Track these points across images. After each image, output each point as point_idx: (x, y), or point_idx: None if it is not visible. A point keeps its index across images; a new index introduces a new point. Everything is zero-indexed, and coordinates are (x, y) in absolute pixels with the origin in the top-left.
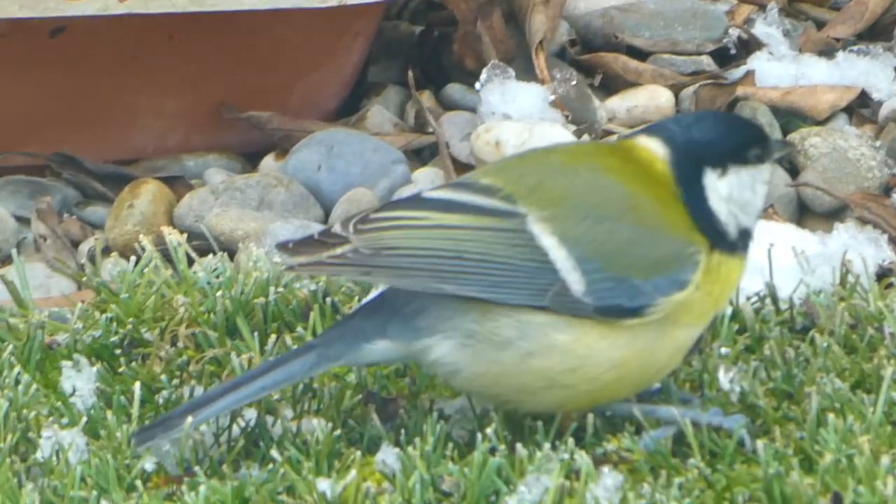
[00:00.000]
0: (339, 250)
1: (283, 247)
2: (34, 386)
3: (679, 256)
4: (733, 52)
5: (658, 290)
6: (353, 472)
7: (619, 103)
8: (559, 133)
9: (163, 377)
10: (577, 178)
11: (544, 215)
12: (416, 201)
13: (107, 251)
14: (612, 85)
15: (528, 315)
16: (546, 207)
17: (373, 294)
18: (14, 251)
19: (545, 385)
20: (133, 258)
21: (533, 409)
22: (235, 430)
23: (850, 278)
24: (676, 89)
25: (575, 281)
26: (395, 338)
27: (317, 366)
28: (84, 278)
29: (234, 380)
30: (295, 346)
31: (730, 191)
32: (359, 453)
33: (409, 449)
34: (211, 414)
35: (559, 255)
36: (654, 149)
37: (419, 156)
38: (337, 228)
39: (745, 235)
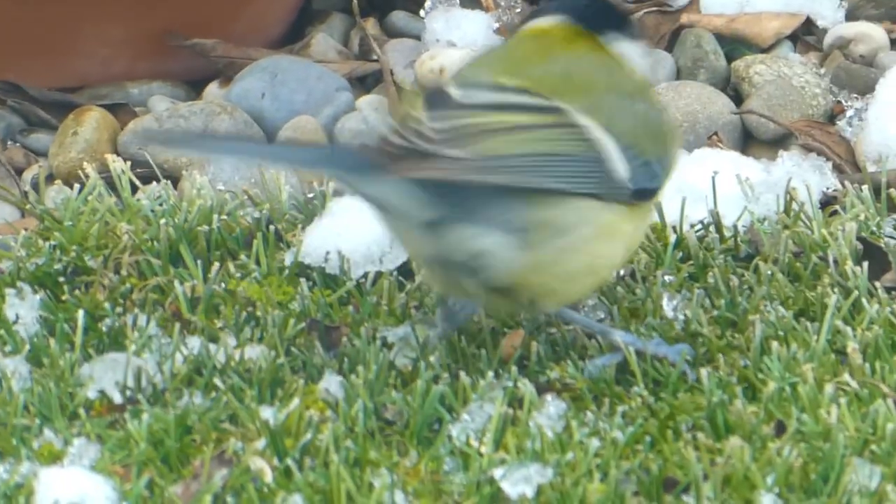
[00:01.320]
0: (452, 154)
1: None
2: None
3: (670, 128)
4: None
5: (662, 168)
6: (296, 400)
7: None
8: None
9: (106, 305)
10: (583, 65)
11: (582, 108)
12: (469, 108)
13: (50, 179)
14: None
15: (582, 201)
16: (578, 100)
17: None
18: None
19: (586, 271)
20: (77, 186)
21: (563, 300)
22: (178, 357)
23: (795, 206)
24: None
25: (621, 169)
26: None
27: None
28: (28, 206)
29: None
30: None
31: (638, 54)
32: (302, 381)
33: (353, 377)
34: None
35: (608, 145)
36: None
37: (363, 83)
38: (396, 138)
39: None
